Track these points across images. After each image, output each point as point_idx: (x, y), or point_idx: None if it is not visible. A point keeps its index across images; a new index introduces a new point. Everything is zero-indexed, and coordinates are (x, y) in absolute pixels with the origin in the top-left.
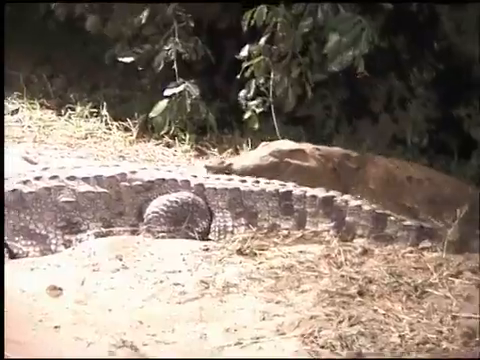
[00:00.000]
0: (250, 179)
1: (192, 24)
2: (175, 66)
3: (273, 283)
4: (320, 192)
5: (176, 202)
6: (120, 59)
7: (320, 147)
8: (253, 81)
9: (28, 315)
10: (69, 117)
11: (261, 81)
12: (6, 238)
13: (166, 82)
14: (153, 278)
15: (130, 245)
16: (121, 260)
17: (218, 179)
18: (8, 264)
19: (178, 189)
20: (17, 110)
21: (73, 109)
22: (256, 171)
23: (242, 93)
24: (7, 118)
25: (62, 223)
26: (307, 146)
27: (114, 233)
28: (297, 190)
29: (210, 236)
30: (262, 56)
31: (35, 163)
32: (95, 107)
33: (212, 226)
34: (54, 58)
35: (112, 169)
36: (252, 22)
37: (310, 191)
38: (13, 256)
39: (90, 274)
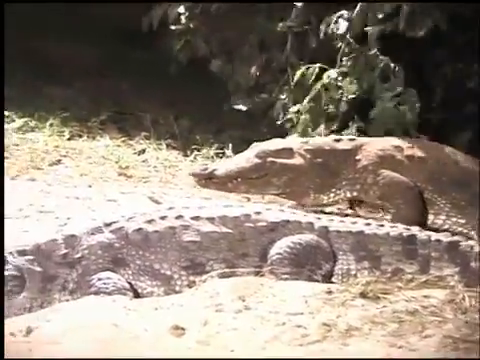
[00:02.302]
0: (374, 222)
1: None
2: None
3: (396, 327)
4: (445, 237)
5: (300, 244)
6: (235, 107)
7: (310, 139)
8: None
9: (151, 354)
10: (195, 158)
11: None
12: (131, 278)
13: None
14: (275, 320)
15: (253, 286)
16: (244, 301)
17: (342, 221)
18: (132, 302)
19: (302, 231)
20: (144, 150)
21: (199, 150)
22: (241, 174)
23: None
24: (134, 158)
25: (186, 263)
26: (296, 143)
27: (237, 274)
28: (422, 234)
29: (333, 279)
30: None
31: (160, 203)
32: (220, 148)
33: (335, 269)
34: (180, 100)
35: (236, 209)
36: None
37: (435, 235)
38: (137, 295)
39: (213, 314)
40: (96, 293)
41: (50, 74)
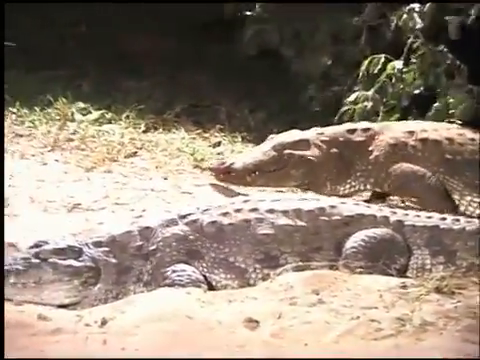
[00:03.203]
0: (450, 216)
1: None
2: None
3: (471, 323)
4: None
5: (375, 238)
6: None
7: (325, 130)
8: None
9: (225, 347)
10: None
11: None
12: (206, 270)
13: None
14: (349, 314)
15: (327, 280)
16: (318, 295)
17: (418, 216)
18: (207, 295)
19: (377, 225)
20: (219, 143)
21: None
22: (259, 167)
23: None
24: (209, 150)
25: (261, 256)
26: (312, 134)
27: (312, 267)
28: None
29: (408, 273)
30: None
31: (238, 193)
32: None
33: (410, 263)
34: (256, 93)
35: (311, 203)
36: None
37: None
38: (211, 288)
39: (287, 308)
40: (170, 285)
41: (126, 67)
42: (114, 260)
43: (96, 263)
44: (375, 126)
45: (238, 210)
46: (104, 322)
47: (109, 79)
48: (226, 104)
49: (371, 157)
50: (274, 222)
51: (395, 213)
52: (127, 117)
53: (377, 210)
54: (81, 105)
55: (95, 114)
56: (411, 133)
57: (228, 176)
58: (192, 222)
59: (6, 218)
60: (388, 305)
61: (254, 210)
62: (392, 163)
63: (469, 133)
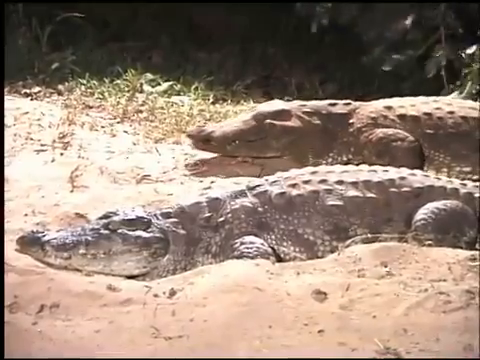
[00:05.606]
0: None
1: (460, 30)
2: (443, 73)
3: None
4: None
5: (445, 210)
6: (383, 68)
7: (307, 102)
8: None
9: (294, 319)
10: None
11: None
12: (274, 242)
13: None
14: (418, 286)
15: (396, 252)
16: (386, 267)
17: None
18: (275, 267)
19: (447, 197)
20: None
21: None
22: (239, 136)
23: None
24: None
25: (329, 227)
26: (293, 105)
27: (381, 239)
28: None
29: (477, 246)
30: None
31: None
32: None
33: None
34: (327, 65)
35: (380, 174)
36: None
37: None
38: (280, 260)
39: (355, 280)
40: (239, 257)
41: (196, 39)
42: (183, 231)
43: (165, 234)
44: (356, 102)
45: (307, 181)
46: (173, 293)
47: (179, 51)
48: (296, 76)
49: (352, 129)
50: (343, 193)
51: (465, 185)
52: (196, 89)
53: (447, 182)
54: (150, 77)
55: (164, 85)
56: (389, 108)
57: (207, 144)
58: (261, 194)
59: (76, 189)
60: (457, 278)
61: (323, 181)
62: (373, 130)
63: (449, 104)
